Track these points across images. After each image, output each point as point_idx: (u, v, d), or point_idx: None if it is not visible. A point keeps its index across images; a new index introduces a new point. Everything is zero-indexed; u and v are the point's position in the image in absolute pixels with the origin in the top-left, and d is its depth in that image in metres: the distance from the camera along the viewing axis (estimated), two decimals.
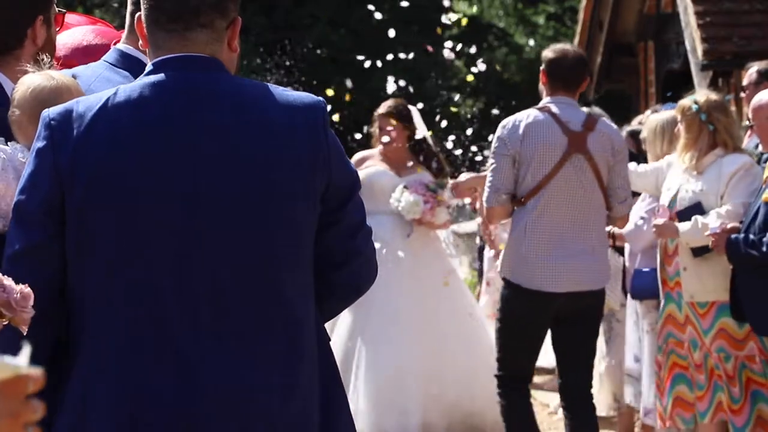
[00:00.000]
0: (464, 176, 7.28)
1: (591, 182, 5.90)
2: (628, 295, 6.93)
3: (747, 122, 5.97)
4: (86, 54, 3.95)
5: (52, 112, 2.76)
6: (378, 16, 15.44)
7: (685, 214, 5.95)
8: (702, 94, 6.18)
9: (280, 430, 2.73)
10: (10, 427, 1.47)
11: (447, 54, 8.64)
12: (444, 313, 7.52)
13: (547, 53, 6.07)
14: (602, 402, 7.37)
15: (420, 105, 8.12)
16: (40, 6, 3.33)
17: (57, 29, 3.45)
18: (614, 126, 6.24)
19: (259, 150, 2.72)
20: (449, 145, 8.87)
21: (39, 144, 2.74)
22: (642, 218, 6.60)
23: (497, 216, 6.08)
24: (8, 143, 3.06)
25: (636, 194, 6.53)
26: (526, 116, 5.93)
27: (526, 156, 5.85)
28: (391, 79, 8.53)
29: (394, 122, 7.64)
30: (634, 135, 7.72)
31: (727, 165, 5.91)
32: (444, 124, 9.17)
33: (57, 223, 2.70)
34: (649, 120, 6.49)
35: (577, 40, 14.02)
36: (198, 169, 2.69)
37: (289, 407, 2.73)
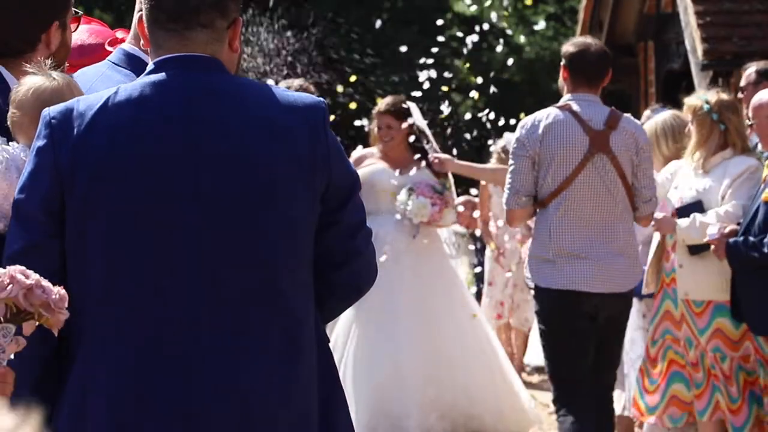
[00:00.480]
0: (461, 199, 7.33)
1: (615, 182, 5.68)
2: None
3: (747, 122, 5.96)
4: (81, 53, 3.95)
5: (52, 110, 2.76)
6: (378, 22, 15.42)
7: (684, 211, 5.96)
8: (712, 93, 6.17)
9: (280, 430, 2.73)
10: None
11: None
12: (445, 315, 7.47)
13: (568, 47, 5.82)
14: None
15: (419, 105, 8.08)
16: (57, 11, 3.33)
17: (73, 30, 3.45)
18: (638, 122, 5.99)
19: (260, 150, 2.72)
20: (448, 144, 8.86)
21: (39, 143, 2.74)
22: None
23: (518, 218, 5.88)
24: (9, 143, 3.06)
25: None
26: (545, 115, 5.70)
27: (545, 157, 5.63)
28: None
29: (393, 120, 7.59)
30: None
31: (733, 166, 5.91)
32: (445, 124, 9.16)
33: (57, 222, 2.71)
34: (647, 126, 6.45)
35: None
36: (198, 169, 2.69)
37: (289, 407, 2.73)
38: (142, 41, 2.88)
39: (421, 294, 7.46)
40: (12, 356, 2.46)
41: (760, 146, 5.93)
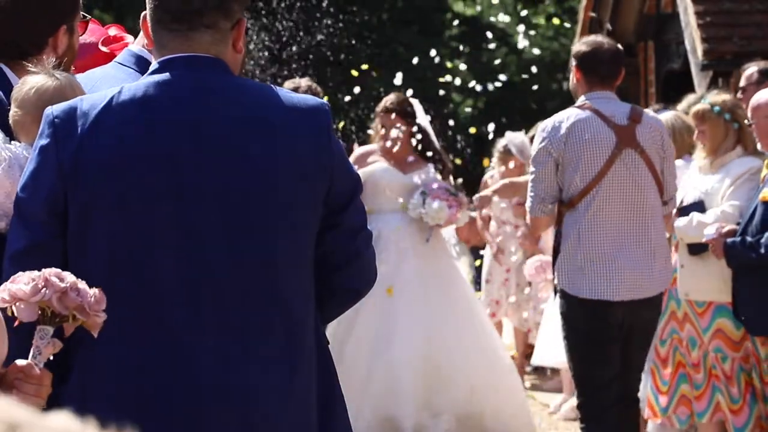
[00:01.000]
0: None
1: (646, 177, 5.52)
2: None
3: (747, 122, 5.96)
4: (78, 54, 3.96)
5: (55, 109, 2.75)
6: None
7: (685, 211, 5.97)
8: (713, 95, 6.18)
9: (280, 431, 2.74)
10: None
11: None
12: (447, 316, 7.42)
13: (580, 47, 5.70)
14: None
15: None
16: (66, 15, 3.33)
17: (80, 34, 3.45)
18: (660, 118, 5.88)
19: (263, 151, 2.72)
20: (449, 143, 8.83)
21: (42, 141, 2.73)
22: None
23: (543, 226, 5.74)
24: (12, 142, 3.06)
25: None
26: (566, 116, 5.55)
27: (571, 158, 5.47)
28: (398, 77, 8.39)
29: (397, 119, 7.52)
30: None
31: (737, 167, 5.92)
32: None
33: (59, 221, 2.70)
34: None
35: (577, 40, 14.02)
36: (201, 170, 2.69)
37: (288, 408, 2.73)
38: (146, 41, 2.88)
39: (424, 295, 7.41)
40: (51, 358, 2.47)
41: (759, 146, 5.94)
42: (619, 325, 5.50)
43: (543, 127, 5.59)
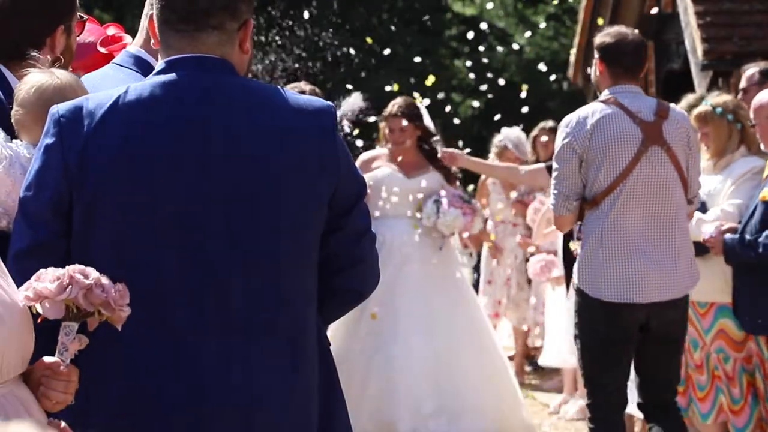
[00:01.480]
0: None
1: (671, 175, 5.34)
2: None
3: (750, 122, 5.96)
4: (77, 54, 3.97)
5: (61, 108, 2.75)
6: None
7: None
8: (714, 96, 6.17)
9: (282, 431, 2.74)
10: None
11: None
12: (448, 320, 7.36)
13: (604, 38, 5.49)
14: None
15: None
16: (63, 15, 3.34)
17: (77, 35, 3.46)
18: (686, 114, 5.68)
19: (268, 153, 2.72)
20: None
21: (47, 140, 2.73)
22: None
23: (567, 224, 5.52)
24: (13, 141, 3.07)
25: None
26: (591, 111, 5.37)
27: (596, 154, 5.30)
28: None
29: (404, 122, 7.46)
30: None
31: (739, 167, 5.92)
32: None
33: (63, 221, 2.70)
34: None
35: (577, 40, 14.02)
36: (206, 171, 2.69)
37: (290, 408, 2.74)
38: (152, 41, 2.87)
39: (425, 298, 7.36)
40: (76, 353, 2.48)
41: (762, 146, 5.93)
42: (640, 328, 5.35)
43: (566, 122, 5.42)
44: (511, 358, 9.49)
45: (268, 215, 2.71)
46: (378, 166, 7.57)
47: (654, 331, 5.36)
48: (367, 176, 7.30)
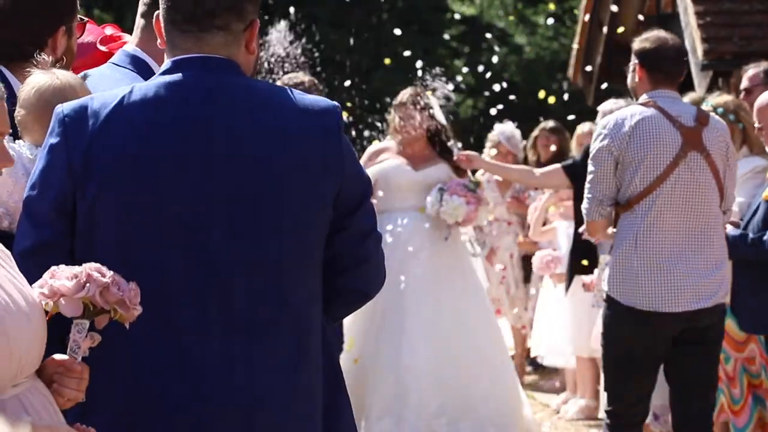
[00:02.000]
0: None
1: (709, 182, 5.26)
2: None
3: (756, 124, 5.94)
4: (78, 54, 3.97)
5: (66, 108, 2.75)
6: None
7: None
8: (715, 97, 6.15)
9: (284, 431, 2.74)
10: None
11: None
12: (456, 316, 7.24)
13: (644, 44, 5.39)
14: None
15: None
16: (64, 16, 3.35)
17: (78, 36, 3.47)
18: (725, 124, 5.56)
19: (271, 153, 2.72)
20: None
21: (52, 140, 2.73)
22: None
23: (601, 230, 5.40)
24: (15, 141, 3.08)
25: None
26: (630, 114, 5.27)
27: (633, 157, 5.19)
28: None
29: (415, 111, 7.33)
30: None
31: (742, 166, 5.91)
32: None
33: (68, 220, 2.71)
34: None
35: (577, 40, 14.02)
36: (211, 171, 2.69)
37: (293, 411, 2.74)
38: (159, 41, 2.87)
39: (434, 294, 7.23)
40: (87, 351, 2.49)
41: (767, 147, 5.92)
42: (673, 338, 5.24)
43: (604, 123, 5.33)
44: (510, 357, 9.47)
45: (270, 215, 2.71)
46: (385, 159, 7.45)
47: (689, 342, 5.24)
48: (372, 169, 7.21)
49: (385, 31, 22.00)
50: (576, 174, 7.10)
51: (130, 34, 3.78)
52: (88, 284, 2.43)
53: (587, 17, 13.26)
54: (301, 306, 2.75)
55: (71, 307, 2.44)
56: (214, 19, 2.77)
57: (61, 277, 2.45)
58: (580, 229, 7.05)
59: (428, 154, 7.43)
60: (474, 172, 7.85)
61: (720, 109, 5.99)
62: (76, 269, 2.45)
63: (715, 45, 10.50)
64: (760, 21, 10.79)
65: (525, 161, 9.96)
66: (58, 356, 2.49)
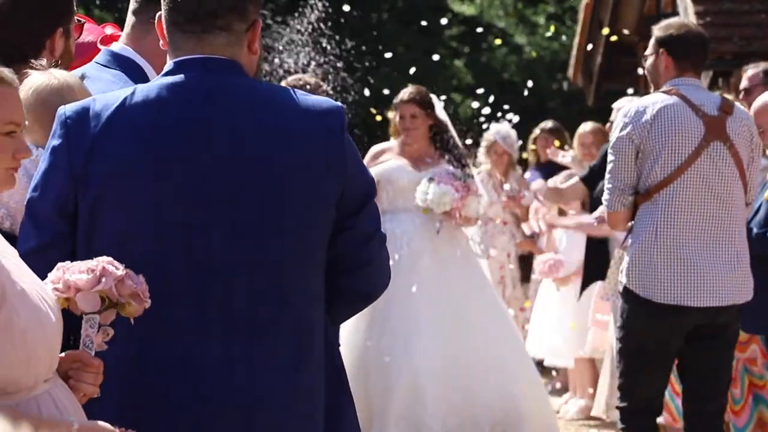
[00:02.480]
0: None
1: (732, 173, 5.12)
2: None
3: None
4: (77, 53, 3.97)
5: (68, 110, 2.75)
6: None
7: None
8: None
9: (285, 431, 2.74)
10: None
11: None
12: (468, 317, 7.15)
13: (668, 30, 5.28)
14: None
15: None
16: (62, 18, 3.35)
17: (76, 38, 3.47)
18: (750, 113, 5.43)
19: (272, 153, 2.71)
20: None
21: (54, 141, 2.73)
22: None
23: (622, 221, 5.24)
24: None
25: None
26: (651, 102, 5.14)
27: (654, 146, 5.06)
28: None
29: (416, 109, 7.29)
30: None
31: None
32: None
33: (69, 222, 2.71)
34: None
35: (577, 40, 14.03)
36: (213, 172, 2.69)
37: (294, 411, 2.74)
38: (161, 41, 2.87)
39: (442, 295, 7.15)
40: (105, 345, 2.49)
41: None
42: (690, 334, 5.13)
43: (625, 112, 5.18)
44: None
45: (272, 216, 2.71)
46: (386, 159, 7.40)
47: (707, 337, 5.15)
48: (374, 170, 7.14)
49: (385, 31, 21.99)
50: (592, 180, 7.14)
51: None
52: (104, 277, 2.43)
53: (587, 17, 13.27)
54: (302, 306, 2.75)
55: (89, 300, 2.43)
56: (216, 19, 2.77)
57: (75, 271, 2.44)
58: (593, 216, 7.00)
59: (431, 154, 7.37)
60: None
61: None
62: (90, 263, 2.44)
63: (715, 45, 10.50)
64: (760, 21, 10.80)
65: (520, 161, 9.95)
66: (72, 352, 2.48)
